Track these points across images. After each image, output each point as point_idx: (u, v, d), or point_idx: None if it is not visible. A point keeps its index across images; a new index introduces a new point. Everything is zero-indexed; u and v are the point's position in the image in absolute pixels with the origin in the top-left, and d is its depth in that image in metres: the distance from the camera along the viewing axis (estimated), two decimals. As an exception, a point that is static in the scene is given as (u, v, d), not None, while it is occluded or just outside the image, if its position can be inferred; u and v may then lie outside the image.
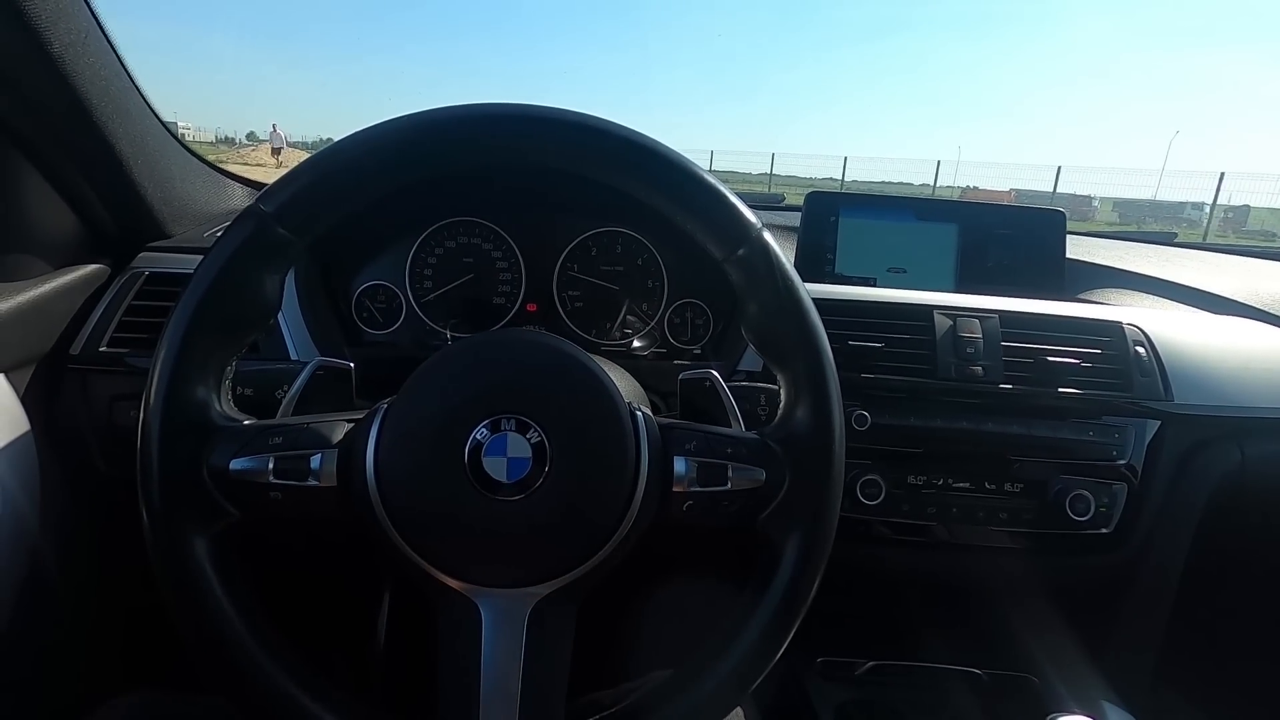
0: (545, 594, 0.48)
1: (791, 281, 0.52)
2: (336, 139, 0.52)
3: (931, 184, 21.61)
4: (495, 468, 0.46)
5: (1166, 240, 1.31)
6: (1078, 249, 1.10)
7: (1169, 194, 22.75)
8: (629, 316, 0.94)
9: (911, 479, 0.82)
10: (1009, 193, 24.55)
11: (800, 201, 1.04)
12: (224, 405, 0.50)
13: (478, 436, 0.47)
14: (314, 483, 0.48)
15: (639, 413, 0.51)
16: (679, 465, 0.50)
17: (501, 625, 0.48)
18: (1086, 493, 0.81)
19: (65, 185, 0.78)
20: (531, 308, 0.93)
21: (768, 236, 0.51)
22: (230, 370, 0.52)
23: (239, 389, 0.62)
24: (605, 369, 0.51)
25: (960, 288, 1.00)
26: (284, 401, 0.55)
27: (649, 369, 0.84)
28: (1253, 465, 0.84)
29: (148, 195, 0.84)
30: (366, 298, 0.91)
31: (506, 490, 0.46)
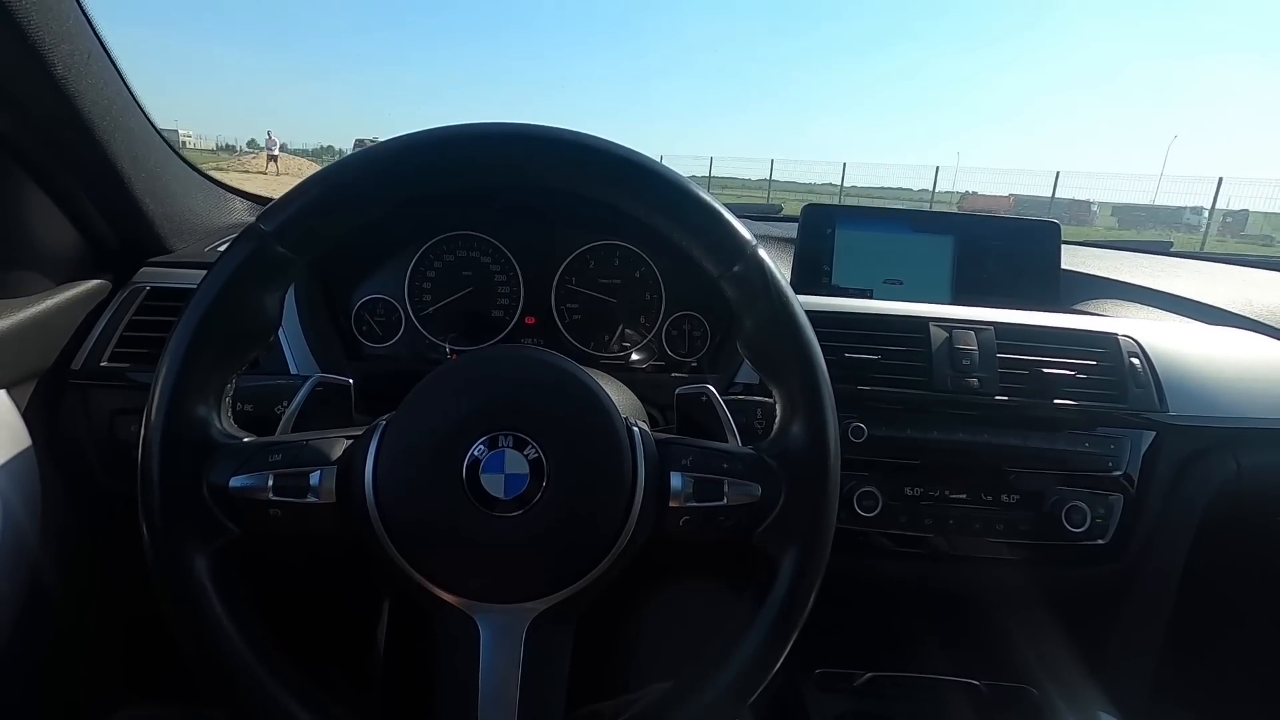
0: (543, 609, 0.49)
1: (786, 298, 0.52)
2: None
3: (930, 189, 21.65)
4: (493, 484, 0.47)
5: (1162, 250, 1.31)
6: (1073, 259, 1.10)
7: (1168, 199, 22.81)
8: (627, 329, 0.94)
9: (908, 490, 0.83)
10: (1008, 198, 24.59)
11: (799, 210, 1.05)
12: (224, 422, 0.51)
13: (475, 453, 0.47)
14: (313, 499, 0.48)
15: (635, 428, 0.51)
16: (675, 481, 0.50)
17: (499, 640, 0.49)
18: (1082, 504, 0.81)
19: (67, 202, 0.79)
20: (530, 320, 0.93)
21: (762, 253, 0.52)
22: (230, 387, 0.53)
23: (239, 405, 0.63)
24: (603, 384, 0.52)
25: (956, 299, 1.00)
26: (284, 418, 0.56)
27: (647, 381, 0.84)
28: (1249, 475, 0.84)
29: (149, 211, 0.85)
30: (366, 311, 0.91)
31: (504, 506, 0.47)
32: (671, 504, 0.50)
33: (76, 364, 0.79)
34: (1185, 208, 22.07)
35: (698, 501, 0.50)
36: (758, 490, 0.51)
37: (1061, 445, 0.82)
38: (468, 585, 0.48)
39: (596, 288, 0.94)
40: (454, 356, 0.91)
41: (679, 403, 0.62)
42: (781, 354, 0.53)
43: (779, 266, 0.53)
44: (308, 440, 0.50)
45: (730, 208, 0.54)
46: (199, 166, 1.03)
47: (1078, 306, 1.04)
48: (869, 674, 0.92)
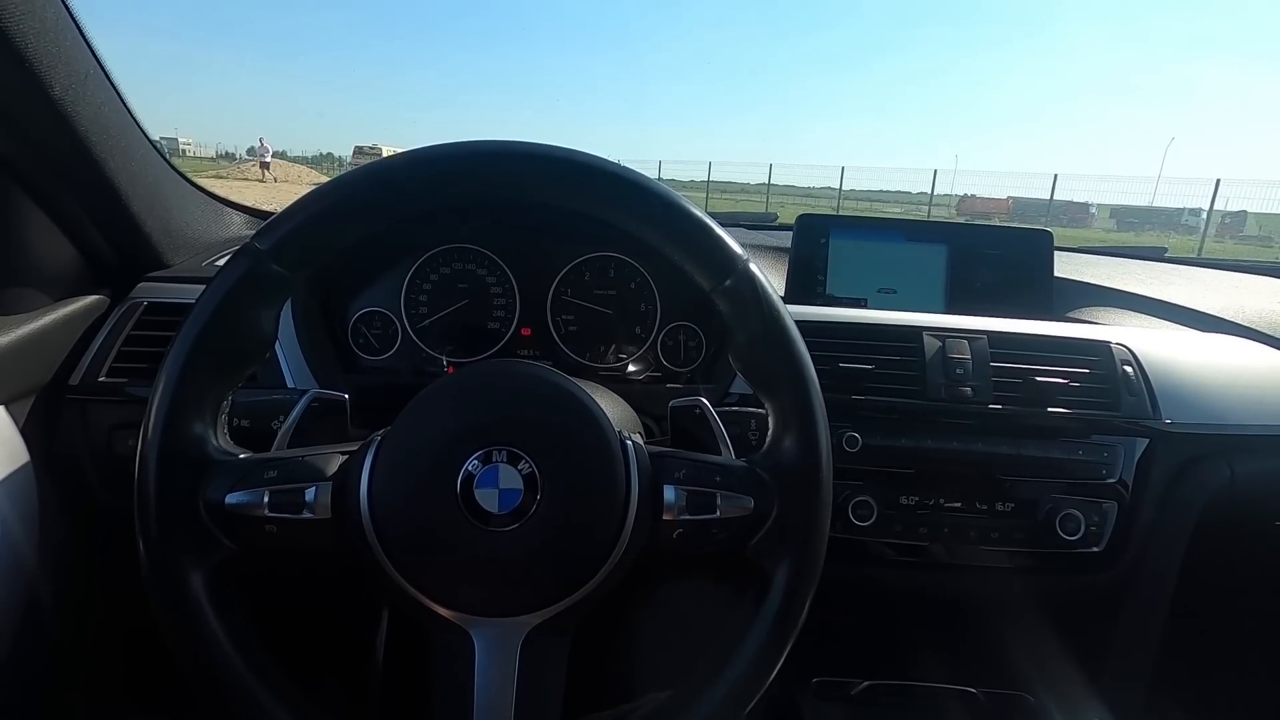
0: (538, 623, 0.49)
1: (778, 312, 0.52)
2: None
3: (929, 192, 21.67)
4: (487, 499, 0.47)
5: (1156, 256, 1.32)
6: (1066, 267, 1.11)
7: (1166, 201, 22.85)
8: (622, 340, 0.95)
9: (903, 499, 0.83)
10: (1006, 200, 24.62)
11: (795, 216, 1.05)
12: (220, 439, 0.51)
13: (469, 468, 0.47)
14: (309, 515, 0.48)
15: (629, 441, 0.51)
16: (669, 494, 0.51)
17: (494, 654, 0.49)
18: (1077, 512, 0.81)
19: (64, 218, 0.79)
20: (526, 332, 0.94)
21: (753, 267, 0.52)
22: (227, 403, 0.53)
23: (235, 420, 0.63)
24: (596, 396, 0.52)
25: (950, 308, 1.01)
26: (279, 434, 0.56)
27: (643, 392, 0.85)
28: (1242, 482, 0.85)
29: (146, 226, 0.85)
30: (362, 324, 0.92)
31: (498, 521, 0.47)
32: (665, 517, 0.51)
33: (74, 379, 0.79)
34: (1184, 209, 22.11)
35: (691, 514, 0.51)
36: (750, 503, 0.51)
37: (1055, 453, 0.82)
38: (462, 599, 0.49)
39: (592, 299, 0.94)
40: (451, 369, 0.92)
41: (672, 415, 0.62)
42: (773, 368, 0.53)
43: (772, 277, 0.54)
44: (303, 456, 0.51)
45: (725, 216, 0.54)
46: (197, 178, 1.03)
47: (1071, 314, 1.04)
48: (866, 682, 0.92)
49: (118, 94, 0.77)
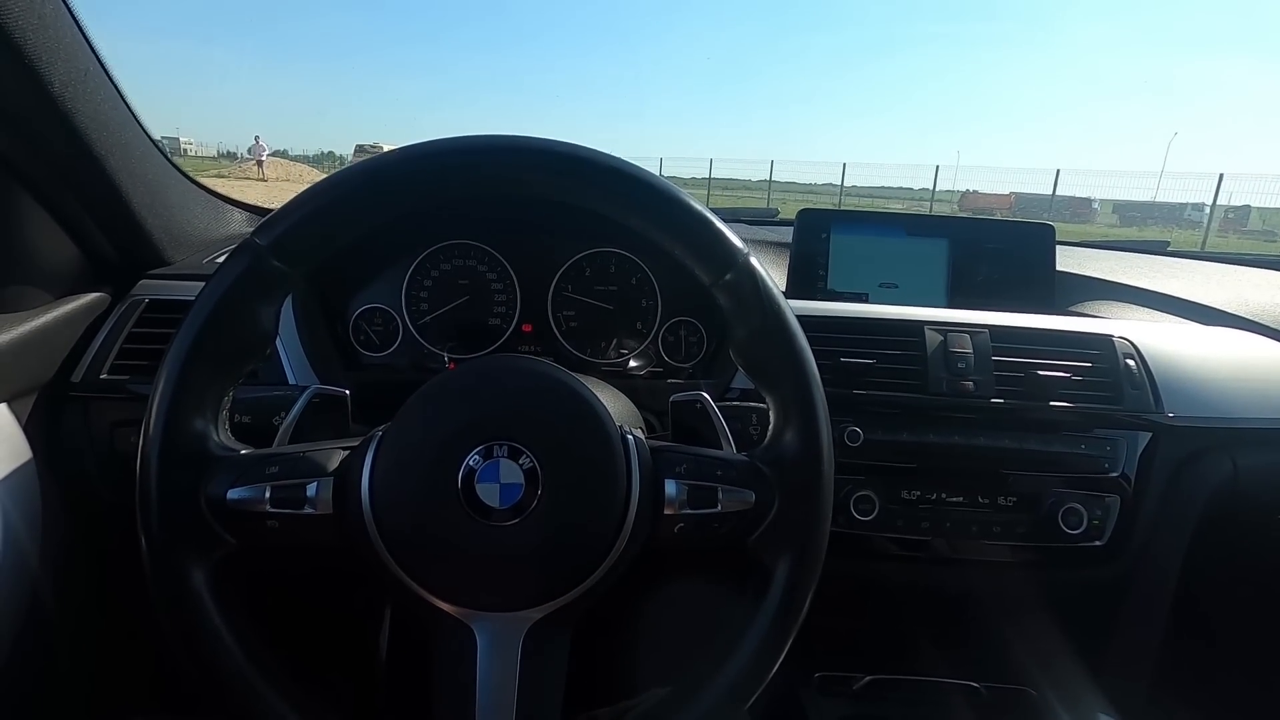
0: (539, 617, 0.49)
1: (778, 306, 0.52)
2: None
3: (931, 188, 21.62)
4: (488, 494, 0.47)
5: (1159, 250, 1.31)
6: (1068, 261, 1.10)
7: (1169, 195, 22.78)
8: (624, 336, 0.95)
9: (905, 494, 0.83)
10: (1009, 196, 24.56)
11: (796, 212, 1.05)
12: (221, 435, 0.51)
13: (470, 463, 0.48)
14: (310, 511, 0.48)
15: (630, 436, 0.52)
16: (670, 488, 0.51)
17: (496, 649, 0.49)
18: (1079, 506, 0.81)
19: (65, 216, 0.79)
20: (527, 328, 0.94)
21: (754, 261, 0.52)
22: (228, 399, 0.53)
23: (237, 416, 0.63)
24: (597, 391, 0.52)
25: (951, 302, 1.00)
26: (280, 430, 0.56)
27: (644, 388, 0.85)
28: (1245, 476, 0.84)
29: (147, 224, 0.85)
30: (363, 321, 0.92)
31: (500, 516, 0.47)
32: (666, 511, 0.51)
33: (76, 376, 0.80)
34: (1186, 204, 22.04)
35: (692, 508, 0.51)
36: (751, 497, 0.51)
37: (1057, 447, 0.82)
38: (464, 594, 0.49)
39: (593, 295, 0.94)
40: (452, 365, 0.92)
41: (673, 410, 0.62)
42: (773, 362, 0.53)
43: (773, 272, 0.53)
44: (304, 452, 0.51)
45: (727, 212, 0.54)
46: (199, 176, 1.03)
47: (1073, 308, 1.04)
48: (868, 677, 0.92)
49: (118, 91, 0.77)
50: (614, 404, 0.69)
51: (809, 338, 0.53)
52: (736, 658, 0.51)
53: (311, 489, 0.49)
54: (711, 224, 0.52)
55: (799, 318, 0.53)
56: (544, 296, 0.94)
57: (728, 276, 0.52)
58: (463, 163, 0.51)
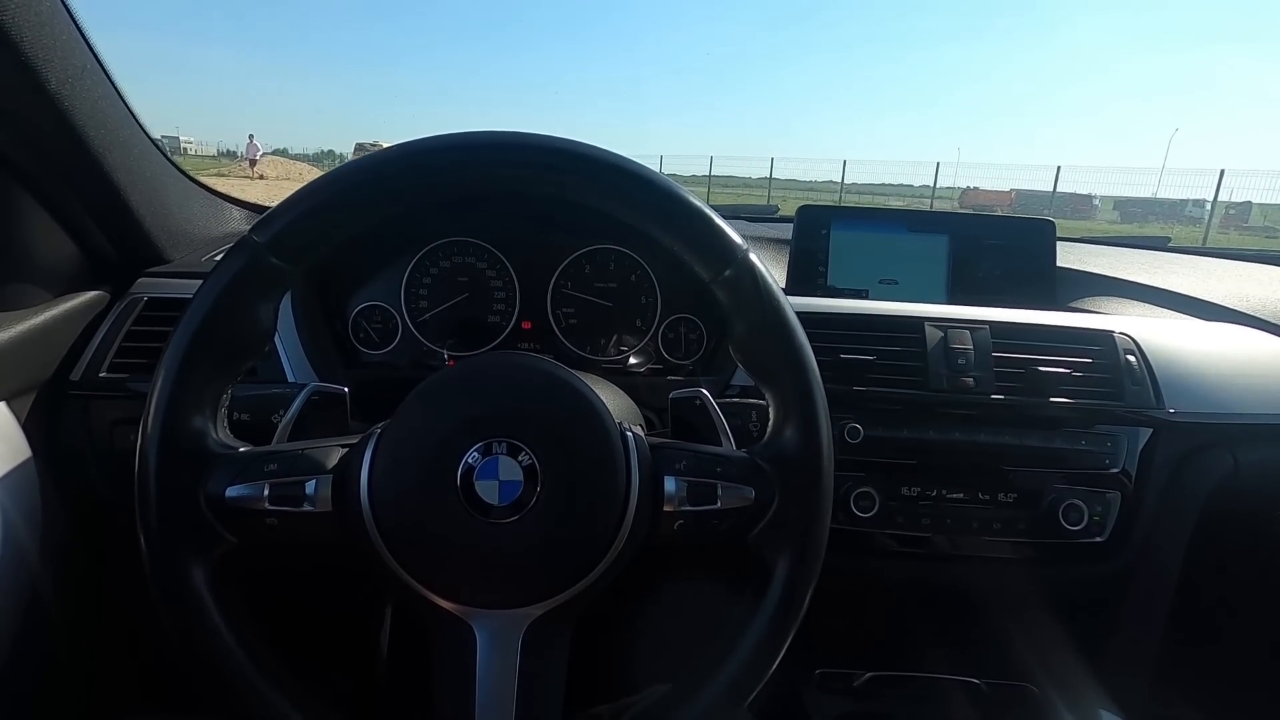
0: (539, 614, 0.49)
1: (778, 302, 0.52)
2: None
3: (931, 185, 21.61)
4: (487, 491, 0.47)
5: (1160, 245, 1.31)
6: (1069, 256, 1.10)
7: (1169, 192, 22.76)
8: (623, 333, 0.94)
9: (905, 490, 0.83)
10: (1009, 193, 24.53)
11: (796, 209, 1.05)
12: (220, 433, 0.51)
13: (469, 460, 0.47)
14: (309, 508, 0.48)
15: (629, 433, 0.51)
16: (669, 485, 0.51)
17: (496, 646, 0.49)
18: (1080, 502, 0.81)
19: (64, 214, 0.79)
20: (526, 325, 0.94)
21: (753, 257, 0.52)
22: (226, 397, 0.53)
23: (236, 414, 0.63)
24: (596, 388, 0.52)
25: (952, 298, 1.00)
26: (279, 427, 0.56)
27: (644, 385, 0.85)
28: (1246, 471, 0.84)
29: (145, 222, 0.85)
30: (363, 319, 0.92)
31: (499, 513, 0.47)
32: (666, 508, 0.50)
33: (76, 375, 0.80)
34: (1188, 200, 22.01)
35: (692, 505, 0.50)
36: (751, 493, 0.51)
37: (1058, 443, 0.82)
38: (463, 591, 0.49)
39: (592, 292, 0.94)
40: (451, 362, 0.92)
41: (673, 406, 0.62)
42: (773, 358, 0.53)
43: (773, 269, 0.53)
44: (303, 449, 0.51)
45: (727, 209, 0.54)
46: (197, 175, 1.03)
47: (1074, 304, 1.04)
48: (869, 674, 0.92)
49: (115, 89, 0.77)
50: (613, 401, 0.69)
51: (809, 334, 0.53)
52: (737, 655, 0.51)
53: (310, 486, 0.48)
54: (711, 220, 0.51)
55: (799, 314, 0.53)
56: (543, 294, 0.94)
57: (727, 272, 0.52)
58: (460, 159, 0.51)
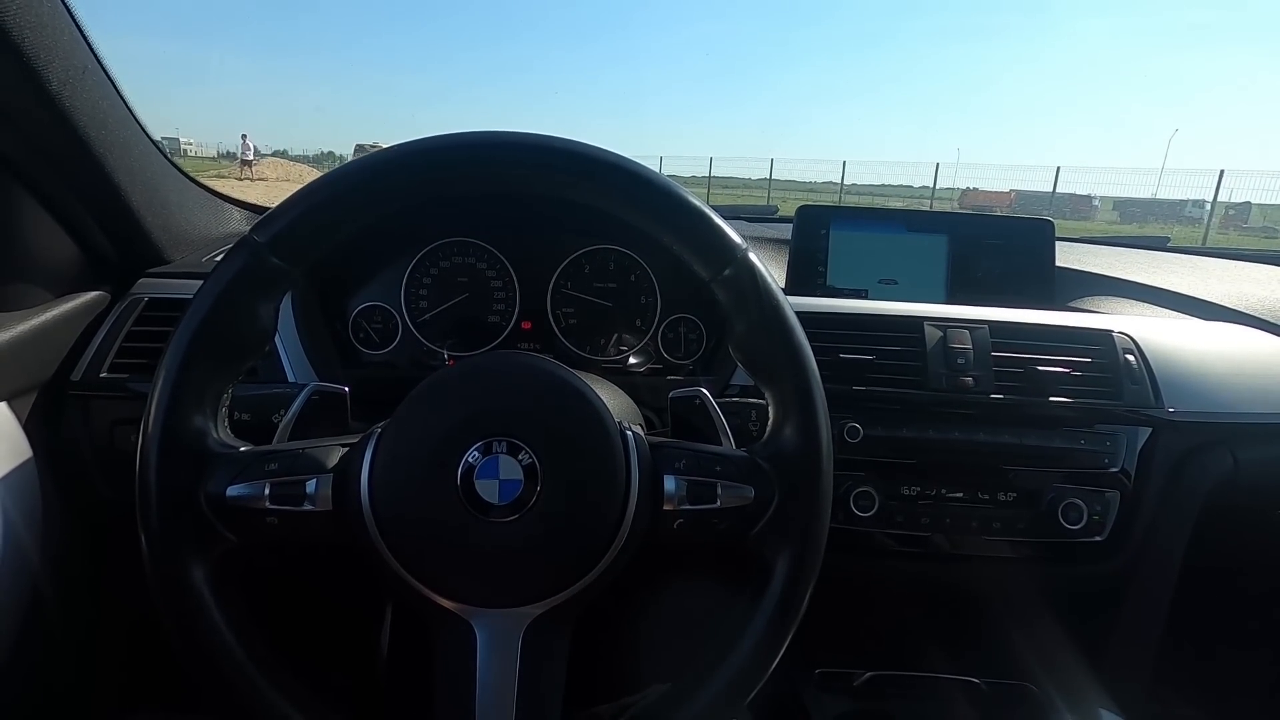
0: (539, 613, 0.49)
1: (777, 301, 0.52)
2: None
3: (931, 186, 21.61)
4: (487, 490, 0.47)
5: (1159, 245, 1.31)
6: (1068, 256, 1.10)
7: (1169, 192, 22.76)
8: (623, 333, 0.95)
9: (905, 490, 0.83)
10: (1009, 193, 24.53)
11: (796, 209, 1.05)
12: (221, 432, 0.51)
13: (470, 459, 0.47)
14: (309, 507, 0.48)
15: (629, 432, 0.51)
16: (669, 484, 0.51)
17: (496, 645, 0.49)
18: (1079, 501, 0.81)
19: (65, 215, 0.79)
20: (526, 325, 0.94)
21: (753, 256, 0.52)
22: (227, 396, 0.53)
23: (236, 414, 0.63)
24: (596, 387, 0.52)
25: (951, 298, 1.00)
26: (280, 427, 0.56)
27: (644, 385, 0.85)
28: (1245, 470, 0.84)
29: (146, 223, 0.85)
30: (363, 319, 0.92)
31: (499, 512, 0.47)
32: (665, 507, 0.50)
33: (76, 375, 0.80)
34: (1187, 201, 22.01)
35: (691, 504, 0.51)
36: (750, 493, 0.51)
37: (1057, 442, 0.82)
38: (463, 590, 0.49)
39: (592, 292, 0.94)
40: (451, 362, 0.92)
41: (673, 406, 0.62)
42: (772, 357, 0.53)
43: (772, 268, 0.53)
44: (303, 449, 0.51)
45: (726, 209, 0.54)
46: (198, 176, 1.03)
47: (1073, 304, 1.04)
48: (869, 673, 0.92)
49: (116, 90, 0.77)
50: (613, 400, 0.69)
51: (809, 334, 0.53)
52: (736, 653, 0.51)
53: (311, 486, 0.48)
54: (710, 219, 0.52)
55: (798, 314, 0.53)
56: (543, 293, 0.94)
57: (726, 272, 0.52)
58: (458, 158, 0.51)
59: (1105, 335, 0.85)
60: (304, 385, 0.60)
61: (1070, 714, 0.82)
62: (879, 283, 1.01)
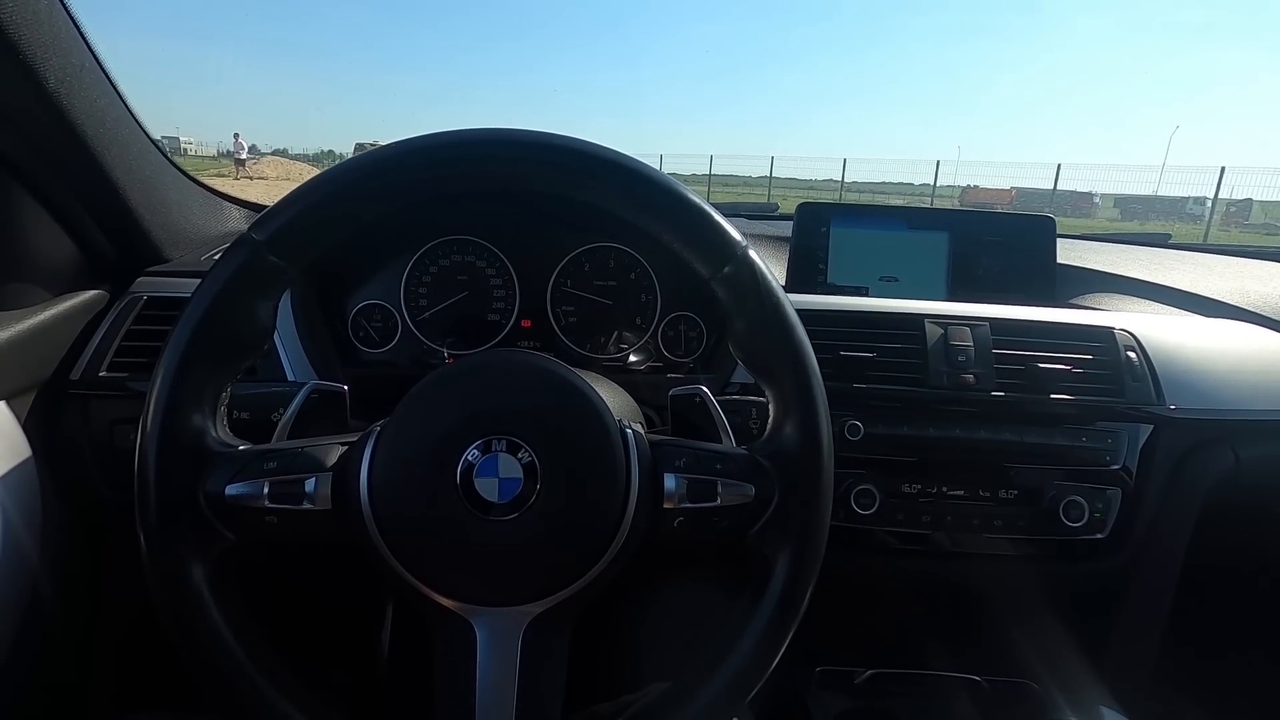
0: (539, 612, 0.49)
1: (777, 298, 0.52)
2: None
3: (932, 183, 21.59)
4: (487, 488, 0.47)
5: (1160, 242, 1.31)
6: (1069, 254, 1.10)
7: (1170, 189, 22.76)
8: (623, 331, 0.94)
9: (906, 488, 0.83)
10: (1010, 190, 24.52)
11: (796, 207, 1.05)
12: (220, 431, 0.51)
13: (469, 458, 0.47)
14: (309, 506, 0.48)
15: (629, 430, 0.51)
16: (669, 482, 0.50)
17: (496, 644, 0.49)
18: (1080, 499, 0.81)
19: (63, 214, 0.79)
20: (526, 324, 0.94)
21: (753, 254, 0.52)
22: (226, 395, 0.53)
23: (235, 412, 0.63)
24: (596, 386, 0.52)
25: (952, 295, 1.00)
26: (279, 425, 0.56)
27: (644, 383, 0.85)
28: (1247, 467, 0.84)
29: (145, 221, 0.85)
30: (363, 317, 0.92)
31: (499, 510, 0.47)
32: (666, 505, 0.50)
33: (75, 374, 0.79)
34: (1188, 198, 22.00)
35: (691, 502, 0.50)
36: (751, 490, 0.51)
37: (1059, 440, 0.82)
38: (463, 589, 0.49)
39: (592, 290, 0.94)
40: (451, 360, 0.92)
41: (673, 404, 0.62)
42: (773, 354, 0.53)
43: (773, 266, 0.53)
44: (303, 447, 0.51)
45: (726, 207, 0.54)
46: (198, 175, 1.03)
47: (1074, 301, 1.04)
48: (870, 671, 0.92)
49: (114, 88, 0.77)
50: (613, 399, 0.69)
51: (809, 332, 0.53)
52: (737, 652, 0.51)
53: (310, 484, 0.48)
54: (710, 217, 0.51)
55: (799, 312, 0.53)
56: (543, 292, 0.94)
57: (726, 269, 0.52)
58: (458, 155, 0.50)
59: (1106, 332, 0.85)
60: (303, 384, 0.60)
61: (1072, 711, 0.82)
62: (880, 280, 1.01)
